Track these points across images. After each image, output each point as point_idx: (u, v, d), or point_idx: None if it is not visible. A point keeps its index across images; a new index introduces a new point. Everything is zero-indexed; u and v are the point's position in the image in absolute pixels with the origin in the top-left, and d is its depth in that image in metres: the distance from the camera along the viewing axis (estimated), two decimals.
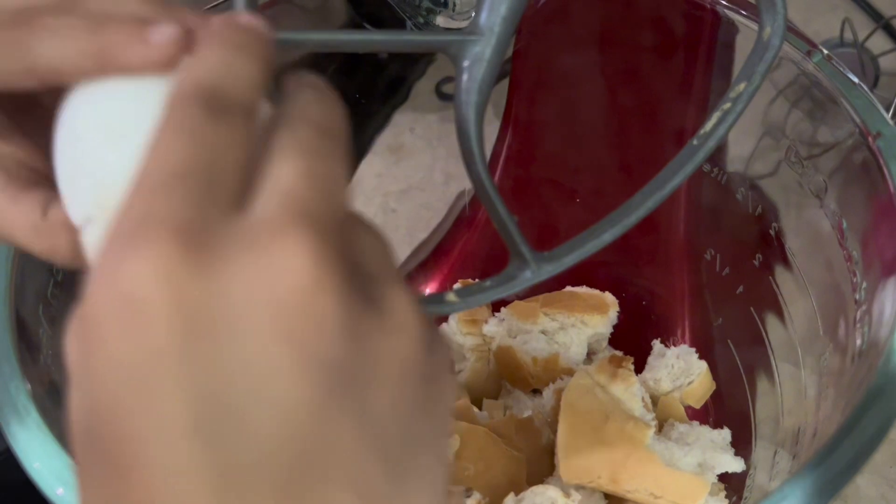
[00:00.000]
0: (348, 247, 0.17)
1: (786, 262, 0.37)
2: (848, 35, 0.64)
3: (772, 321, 0.39)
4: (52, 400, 0.27)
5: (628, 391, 0.34)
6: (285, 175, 0.17)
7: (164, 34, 0.19)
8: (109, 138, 0.19)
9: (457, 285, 0.50)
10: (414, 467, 0.17)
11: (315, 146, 0.18)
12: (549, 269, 0.28)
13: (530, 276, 0.27)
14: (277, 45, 0.25)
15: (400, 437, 0.17)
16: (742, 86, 0.28)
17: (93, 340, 0.15)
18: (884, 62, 0.66)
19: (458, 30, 0.27)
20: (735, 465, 0.35)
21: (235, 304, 0.15)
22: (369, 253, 0.18)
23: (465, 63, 0.27)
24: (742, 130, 0.40)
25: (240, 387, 0.15)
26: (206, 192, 0.16)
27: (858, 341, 0.29)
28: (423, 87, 0.62)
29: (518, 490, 0.34)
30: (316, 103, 0.19)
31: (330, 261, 0.16)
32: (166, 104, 0.17)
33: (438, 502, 0.18)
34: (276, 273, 0.15)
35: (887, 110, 0.60)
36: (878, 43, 0.66)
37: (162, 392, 0.15)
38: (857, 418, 0.23)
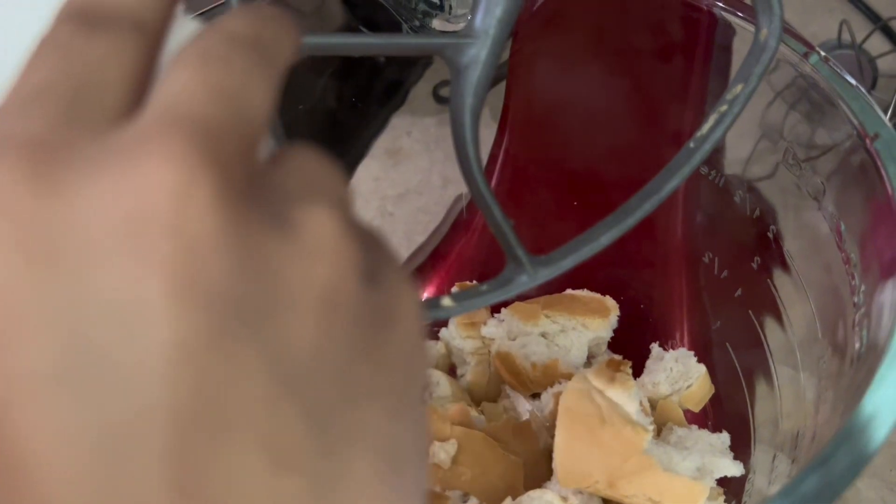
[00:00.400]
0: (252, 164, 0.14)
1: (784, 264, 0.37)
2: (846, 37, 0.64)
3: (770, 324, 0.39)
4: None
5: (626, 395, 0.34)
6: (176, 84, 0.14)
7: None
8: None
9: (454, 289, 0.50)
10: (355, 427, 0.14)
11: (226, 56, 0.15)
12: (546, 273, 0.27)
13: (527, 280, 0.27)
14: None
15: (329, 386, 0.13)
16: (739, 88, 0.28)
17: None
18: (882, 63, 0.66)
19: (454, 33, 0.27)
20: (734, 469, 0.35)
21: (87, 226, 0.12)
22: (299, 176, 0.15)
23: (461, 66, 0.26)
24: (740, 133, 0.40)
25: (104, 327, 0.12)
26: (68, 108, 0.13)
27: (857, 344, 0.28)
28: (421, 91, 0.62)
29: (515, 495, 0.33)
30: (245, 15, 0.16)
31: (209, 169, 0.13)
32: (53, 18, 0.15)
33: (393, 475, 0.14)
34: (137, 186, 0.13)
35: (885, 111, 0.60)
36: (876, 44, 0.66)
37: (10, 341, 0.12)
38: (857, 422, 0.22)
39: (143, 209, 0.12)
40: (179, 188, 0.13)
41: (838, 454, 0.21)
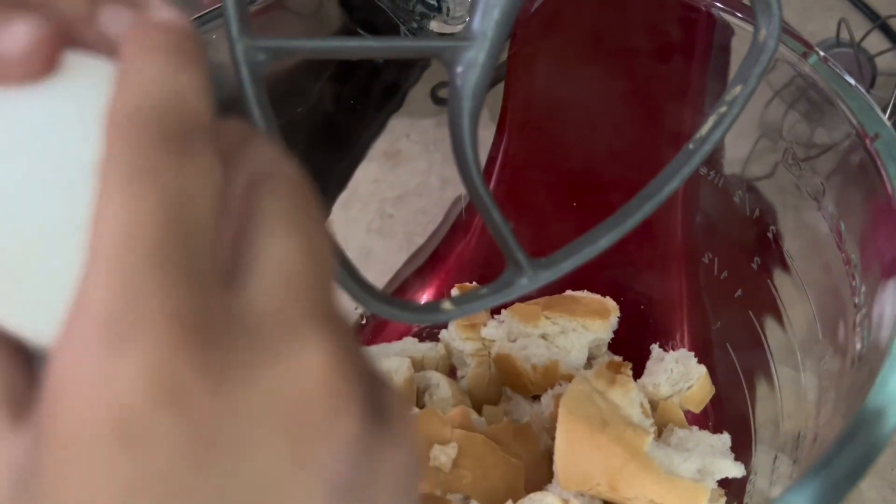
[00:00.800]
0: (354, 343, 0.15)
1: (784, 265, 0.37)
2: (844, 35, 0.64)
3: (771, 324, 0.38)
4: None
5: (627, 397, 0.34)
6: (281, 251, 0.14)
7: (24, 32, 0.14)
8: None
9: (454, 290, 0.50)
10: None
11: (307, 214, 0.15)
12: (546, 276, 0.27)
13: (526, 282, 0.27)
14: (272, 53, 0.25)
15: None
16: (738, 89, 0.28)
17: (63, 469, 0.12)
18: (881, 62, 0.66)
19: (452, 35, 0.27)
20: (735, 470, 0.35)
21: (250, 420, 0.13)
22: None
23: (459, 69, 0.26)
24: (739, 133, 0.40)
25: None
26: (193, 265, 0.13)
27: (858, 345, 0.28)
28: (419, 93, 0.62)
29: (516, 497, 0.33)
30: (278, 155, 0.16)
31: (348, 369, 0.14)
32: (107, 137, 0.14)
33: None
34: (293, 385, 0.14)
35: (884, 110, 0.60)
36: (875, 43, 0.66)
37: None
38: (860, 424, 0.22)
39: (301, 410, 0.14)
40: (332, 396, 0.14)
41: (841, 456, 0.21)
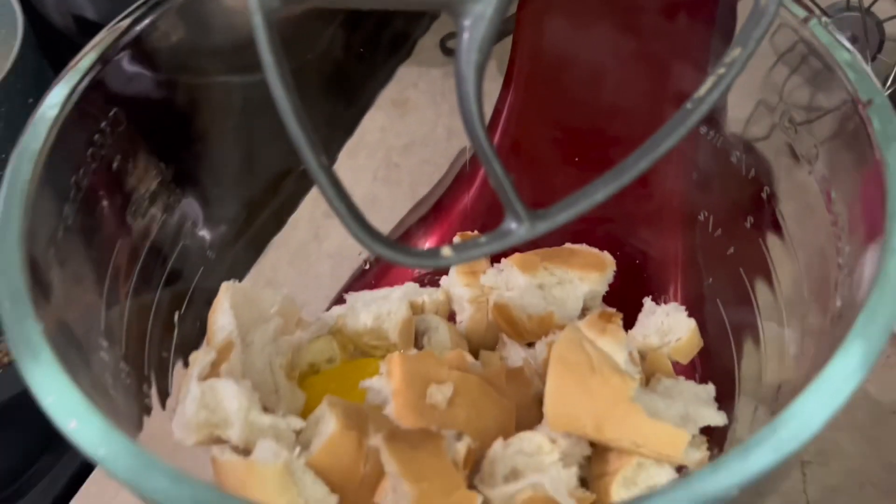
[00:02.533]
0: None
1: (776, 225, 0.38)
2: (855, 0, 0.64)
3: (760, 282, 0.40)
4: (63, 338, 0.28)
5: (616, 345, 0.35)
6: None
7: None
8: None
9: (456, 239, 0.51)
10: None
11: None
12: (543, 227, 0.29)
13: (524, 232, 0.28)
14: (286, 0, 0.26)
15: None
16: (737, 51, 0.29)
17: None
18: (889, 27, 0.66)
19: None
20: (718, 418, 0.36)
21: None
22: None
23: (467, 22, 0.27)
24: (740, 94, 0.41)
25: None
26: None
27: (839, 303, 0.30)
28: (428, 42, 0.62)
29: (507, 436, 0.35)
30: None
31: None
32: None
33: None
34: None
35: (889, 75, 0.60)
36: (886, 8, 0.66)
37: None
38: (827, 377, 0.24)
39: None
40: None
41: (808, 406, 0.23)
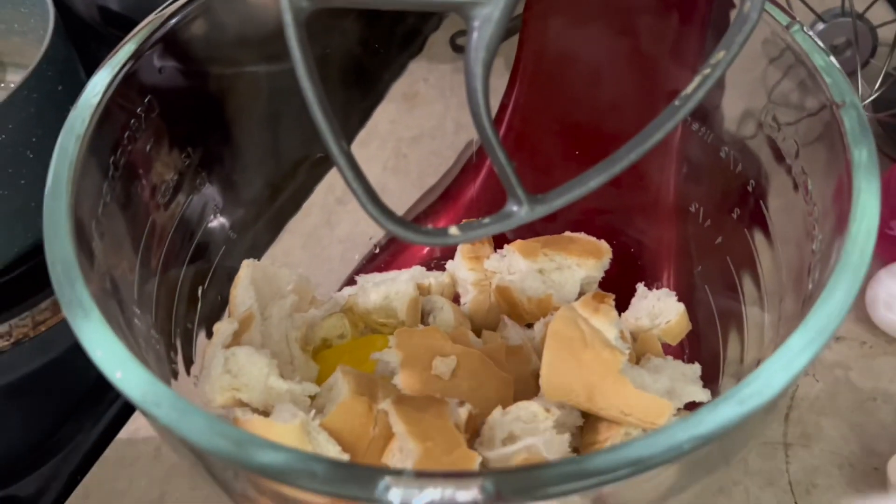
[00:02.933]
0: None
1: (760, 216, 0.41)
2: (849, 5, 0.67)
3: (745, 270, 0.43)
4: (106, 302, 0.31)
5: (608, 323, 0.38)
6: None
7: None
8: None
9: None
10: None
11: None
12: (541, 210, 0.31)
13: (524, 215, 0.31)
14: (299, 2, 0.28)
15: None
16: (721, 54, 0.31)
17: None
18: (883, 32, 0.68)
19: None
20: (702, 395, 0.39)
21: None
22: None
23: (475, 23, 0.30)
24: (731, 95, 0.44)
25: None
26: None
27: (810, 286, 0.33)
28: (439, 39, 0.65)
29: (505, 406, 0.38)
30: None
31: None
32: None
33: None
34: None
35: (884, 78, 0.63)
36: (880, 13, 0.69)
37: None
38: (787, 349, 0.27)
39: None
40: None
41: (770, 368, 0.26)
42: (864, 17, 0.67)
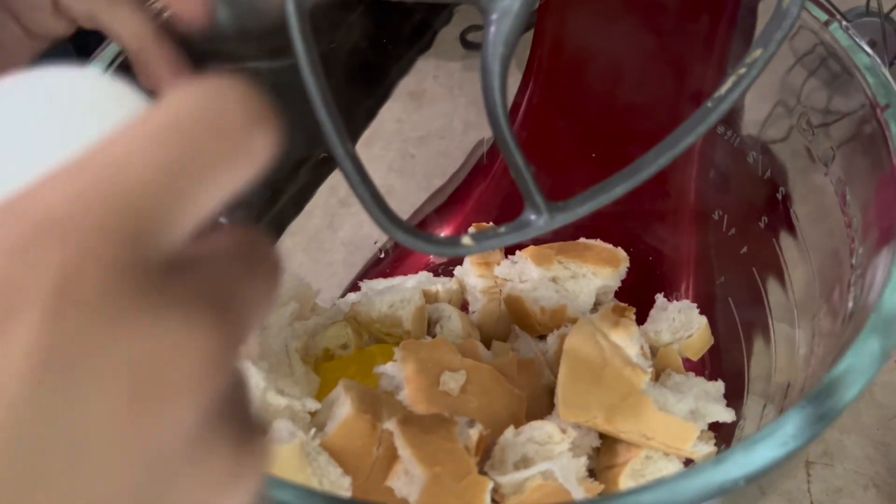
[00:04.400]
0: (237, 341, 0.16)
1: (790, 225, 0.38)
2: (874, 4, 0.64)
3: (772, 282, 0.40)
4: None
5: (628, 339, 0.36)
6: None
7: None
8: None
9: (471, 229, 0.52)
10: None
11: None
12: (561, 219, 0.29)
13: (543, 224, 0.29)
14: None
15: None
16: (758, 52, 0.29)
17: None
18: None
19: None
20: (726, 415, 0.37)
21: (104, 365, 0.14)
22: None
23: (494, 16, 0.28)
24: (758, 95, 0.41)
25: None
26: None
27: (850, 304, 0.30)
28: (448, 34, 0.62)
29: (518, 425, 0.36)
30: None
31: (221, 362, 0.15)
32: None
33: None
34: (161, 352, 0.14)
35: None
36: None
37: None
38: (835, 376, 0.24)
39: (157, 368, 0.14)
40: (194, 365, 0.14)
41: (814, 404, 0.23)
42: (890, 17, 0.64)
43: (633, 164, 0.30)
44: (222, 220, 0.18)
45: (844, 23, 0.33)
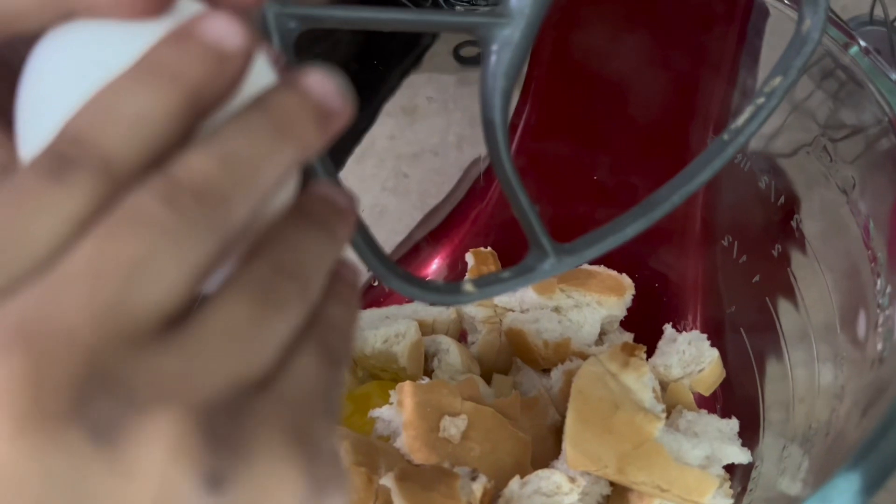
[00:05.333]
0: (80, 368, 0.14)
1: (805, 254, 0.37)
2: (878, 12, 0.62)
3: (787, 313, 0.38)
4: None
5: (640, 381, 0.34)
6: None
7: None
8: (76, 80, 0.17)
9: (468, 255, 0.49)
10: None
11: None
12: (570, 262, 0.27)
13: (549, 269, 0.27)
14: (303, 20, 0.24)
15: None
16: (777, 80, 0.27)
17: None
18: None
19: (487, 10, 0.26)
20: (742, 456, 0.35)
21: None
22: (159, 368, 0.14)
23: (494, 46, 0.26)
24: (772, 118, 0.39)
25: None
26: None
27: (879, 346, 0.28)
28: (441, 49, 0.60)
29: (523, 472, 0.34)
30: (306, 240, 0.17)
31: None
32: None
33: None
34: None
35: None
36: None
37: None
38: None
39: None
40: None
41: (876, 452, 0.21)
42: (895, 26, 0.63)
43: (644, 203, 0.28)
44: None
45: (864, 44, 0.32)
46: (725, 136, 0.27)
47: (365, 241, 0.25)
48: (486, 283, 0.27)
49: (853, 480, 0.21)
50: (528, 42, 0.26)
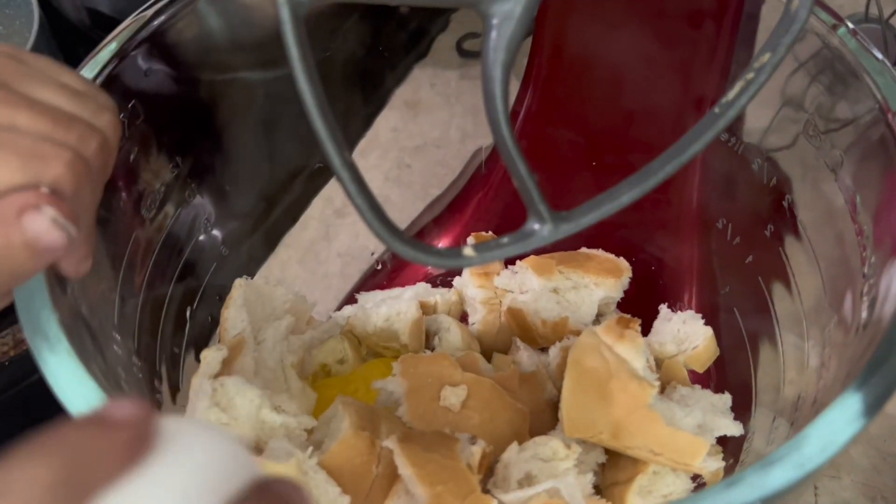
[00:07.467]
0: None
1: (797, 234, 0.38)
2: (874, 10, 0.64)
3: (779, 292, 0.39)
4: (78, 330, 0.27)
5: (634, 352, 0.35)
6: None
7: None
8: None
9: (470, 239, 0.51)
10: None
11: None
12: (567, 229, 0.28)
13: (547, 234, 0.28)
14: None
15: None
16: (766, 56, 0.28)
17: None
18: None
19: None
20: (734, 428, 0.36)
21: None
22: None
23: (495, 20, 0.27)
24: (762, 101, 0.40)
25: None
26: None
27: (864, 315, 0.29)
28: (445, 42, 0.61)
29: (521, 441, 0.35)
30: None
31: None
32: None
33: None
34: None
35: None
36: None
37: None
38: (854, 392, 0.23)
39: None
40: None
41: (832, 422, 0.22)
42: (890, 24, 0.64)
43: (639, 172, 0.29)
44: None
45: (852, 26, 0.33)
46: (717, 110, 0.29)
47: (373, 210, 0.27)
48: (486, 249, 0.28)
49: (822, 430, 0.22)
50: (528, 16, 0.27)
